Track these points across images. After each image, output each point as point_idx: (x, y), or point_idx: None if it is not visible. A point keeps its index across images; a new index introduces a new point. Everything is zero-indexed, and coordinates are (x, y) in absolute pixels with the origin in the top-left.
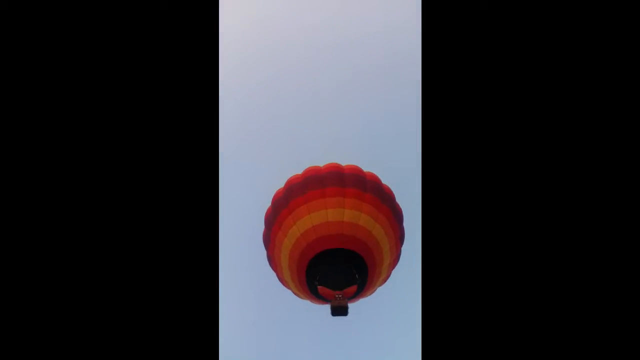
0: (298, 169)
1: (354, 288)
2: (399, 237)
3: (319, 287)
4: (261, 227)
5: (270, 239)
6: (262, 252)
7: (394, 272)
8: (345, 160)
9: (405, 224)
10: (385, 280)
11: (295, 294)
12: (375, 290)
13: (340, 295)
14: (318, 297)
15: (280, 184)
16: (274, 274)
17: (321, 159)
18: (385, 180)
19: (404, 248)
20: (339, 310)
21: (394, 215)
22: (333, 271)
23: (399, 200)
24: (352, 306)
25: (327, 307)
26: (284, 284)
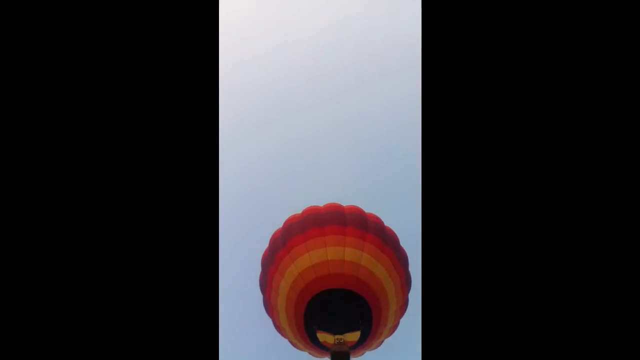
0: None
1: (356, 335)
2: (404, 281)
3: (318, 332)
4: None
5: (267, 282)
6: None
7: None
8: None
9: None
10: (393, 330)
11: (292, 343)
12: (381, 342)
13: (341, 339)
14: (317, 346)
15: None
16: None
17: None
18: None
19: None
20: (340, 356)
21: (398, 258)
22: (333, 314)
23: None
24: None
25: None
26: (280, 332)
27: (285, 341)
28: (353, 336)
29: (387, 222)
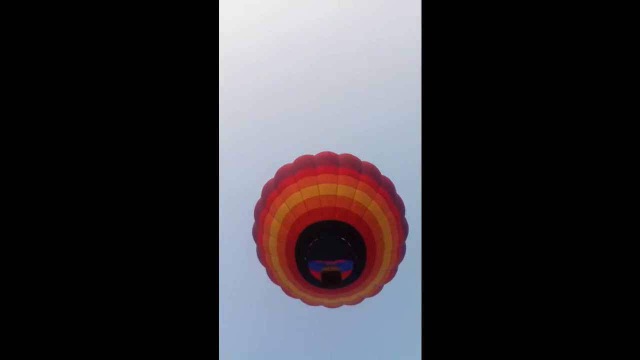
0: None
1: (350, 264)
2: (400, 223)
3: (309, 264)
4: None
5: (258, 226)
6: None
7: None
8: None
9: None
10: (390, 276)
11: (285, 288)
12: (379, 287)
13: (333, 265)
14: (309, 281)
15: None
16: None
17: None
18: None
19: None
20: (330, 276)
21: (393, 199)
22: (325, 243)
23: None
24: (352, 309)
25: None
26: (273, 278)
27: (278, 290)
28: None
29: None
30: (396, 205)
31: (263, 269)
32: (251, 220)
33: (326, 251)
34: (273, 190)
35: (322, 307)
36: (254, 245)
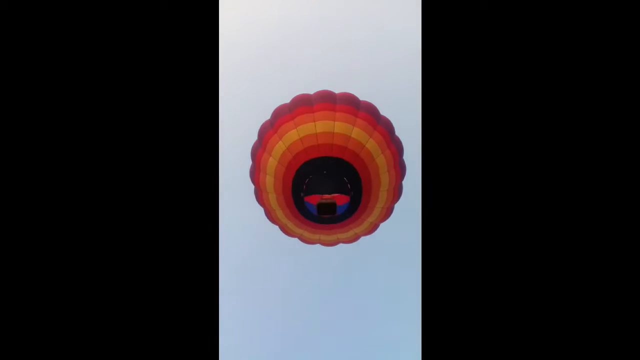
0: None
1: (346, 199)
2: (397, 163)
3: (305, 199)
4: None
5: (255, 166)
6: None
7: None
8: None
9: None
10: (386, 215)
11: (283, 228)
12: (375, 225)
13: (328, 198)
14: (306, 217)
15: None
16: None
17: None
18: None
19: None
20: (326, 207)
21: (392, 139)
22: (321, 177)
23: None
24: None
25: (319, 251)
26: (271, 218)
27: (275, 230)
28: (343, 199)
29: None
30: (394, 145)
31: (261, 210)
32: (249, 164)
33: (322, 186)
34: (269, 130)
35: (319, 245)
36: (252, 187)
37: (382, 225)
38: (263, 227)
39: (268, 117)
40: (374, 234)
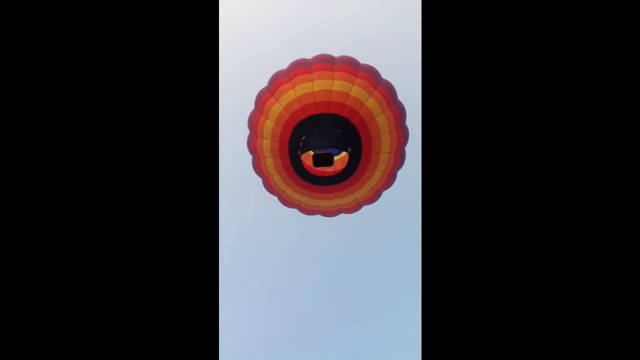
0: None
1: (344, 157)
2: (399, 125)
3: (302, 157)
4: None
5: (252, 132)
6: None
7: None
8: None
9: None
10: (387, 181)
11: (281, 197)
12: (378, 192)
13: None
14: (303, 178)
15: None
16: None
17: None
18: None
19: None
20: (322, 158)
21: (394, 101)
22: (318, 132)
23: None
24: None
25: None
26: (269, 186)
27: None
28: (340, 160)
29: None
30: (396, 107)
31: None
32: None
33: (319, 141)
34: (266, 94)
35: (319, 217)
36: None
37: (384, 194)
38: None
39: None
40: (376, 203)
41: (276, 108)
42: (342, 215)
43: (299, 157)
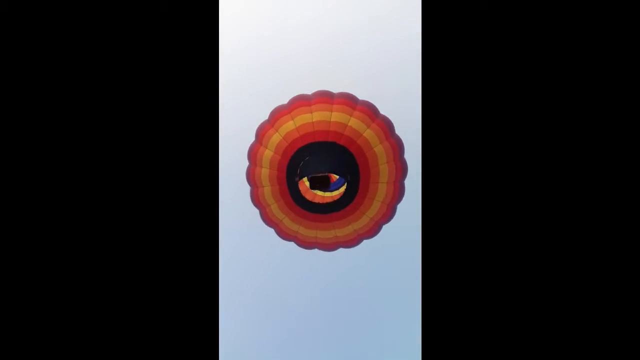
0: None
1: (343, 189)
2: (398, 158)
3: (300, 184)
4: None
5: (251, 162)
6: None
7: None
8: None
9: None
10: (387, 214)
11: (278, 228)
12: (376, 224)
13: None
14: (303, 206)
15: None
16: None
17: None
18: None
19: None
20: (319, 180)
21: (391, 133)
22: (316, 158)
23: None
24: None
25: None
26: (266, 217)
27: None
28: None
29: None
30: (394, 139)
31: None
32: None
33: (316, 165)
34: (266, 125)
35: (316, 250)
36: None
37: (384, 228)
38: (261, 228)
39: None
40: (376, 238)
41: (275, 138)
42: (341, 251)
43: (297, 183)
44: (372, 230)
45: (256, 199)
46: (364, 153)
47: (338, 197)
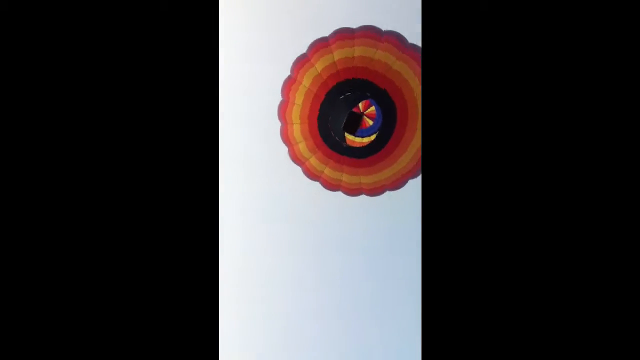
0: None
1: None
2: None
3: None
4: None
5: (282, 122)
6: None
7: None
8: None
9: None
10: (415, 169)
11: (306, 166)
12: (403, 177)
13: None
14: (331, 146)
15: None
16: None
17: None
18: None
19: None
20: (352, 118)
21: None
22: (345, 102)
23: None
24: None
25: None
26: (293, 155)
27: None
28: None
29: None
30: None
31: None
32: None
33: (350, 105)
34: (289, 80)
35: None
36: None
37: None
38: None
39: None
40: (401, 191)
41: (301, 88)
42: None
43: (328, 128)
44: (397, 183)
45: (285, 136)
46: (400, 90)
47: (368, 143)
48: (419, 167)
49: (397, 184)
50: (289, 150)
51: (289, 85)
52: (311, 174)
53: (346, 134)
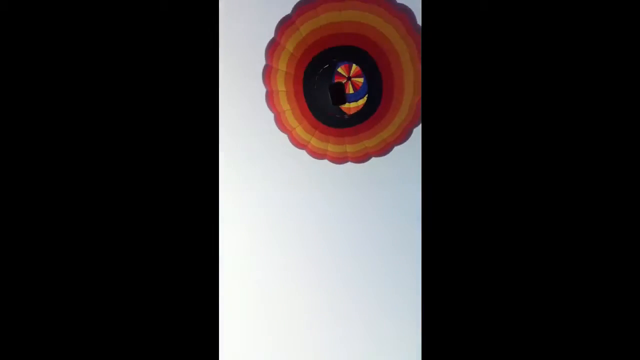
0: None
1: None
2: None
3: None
4: None
5: (267, 86)
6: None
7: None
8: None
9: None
10: (402, 135)
11: (291, 134)
12: (388, 145)
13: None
14: (315, 114)
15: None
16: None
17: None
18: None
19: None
20: (337, 88)
21: (415, 29)
22: (332, 65)
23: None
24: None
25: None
26: (279, 122)
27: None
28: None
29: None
30: (418, 34)
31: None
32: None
33: (327, 79)
34: (273, 44)
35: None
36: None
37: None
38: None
39: (268, 118)
40: (386, 157)
41: (285, 53)
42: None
43: (316, 89)
44: (383, 150)
45: (271, 103)
46: (386, 57)
47: (362, 107)
48: (405, 135)
49: (383, 151)
50: (275, 118)
51: (268, 73)
52: (296, 142)
53: (340, 107)
